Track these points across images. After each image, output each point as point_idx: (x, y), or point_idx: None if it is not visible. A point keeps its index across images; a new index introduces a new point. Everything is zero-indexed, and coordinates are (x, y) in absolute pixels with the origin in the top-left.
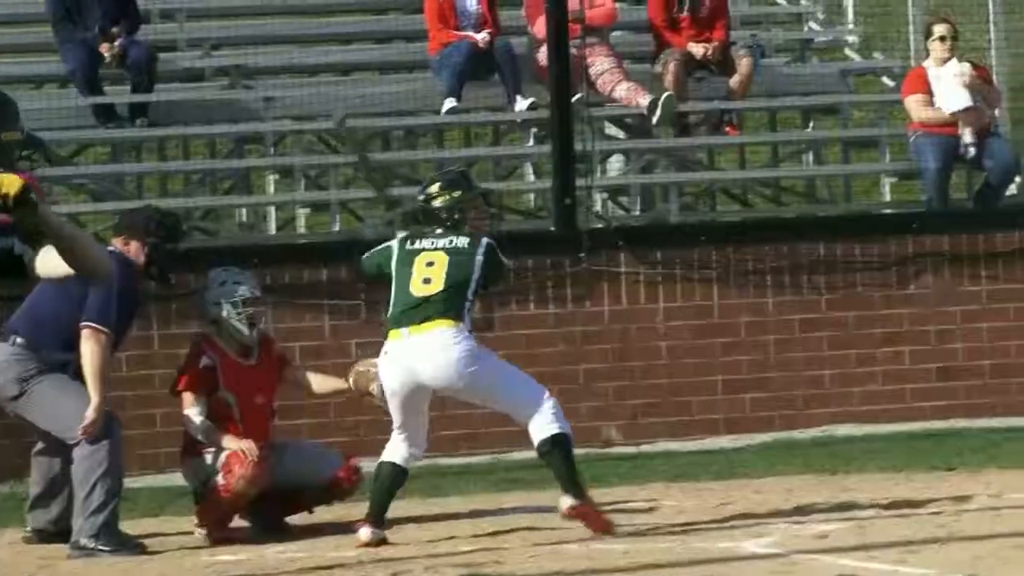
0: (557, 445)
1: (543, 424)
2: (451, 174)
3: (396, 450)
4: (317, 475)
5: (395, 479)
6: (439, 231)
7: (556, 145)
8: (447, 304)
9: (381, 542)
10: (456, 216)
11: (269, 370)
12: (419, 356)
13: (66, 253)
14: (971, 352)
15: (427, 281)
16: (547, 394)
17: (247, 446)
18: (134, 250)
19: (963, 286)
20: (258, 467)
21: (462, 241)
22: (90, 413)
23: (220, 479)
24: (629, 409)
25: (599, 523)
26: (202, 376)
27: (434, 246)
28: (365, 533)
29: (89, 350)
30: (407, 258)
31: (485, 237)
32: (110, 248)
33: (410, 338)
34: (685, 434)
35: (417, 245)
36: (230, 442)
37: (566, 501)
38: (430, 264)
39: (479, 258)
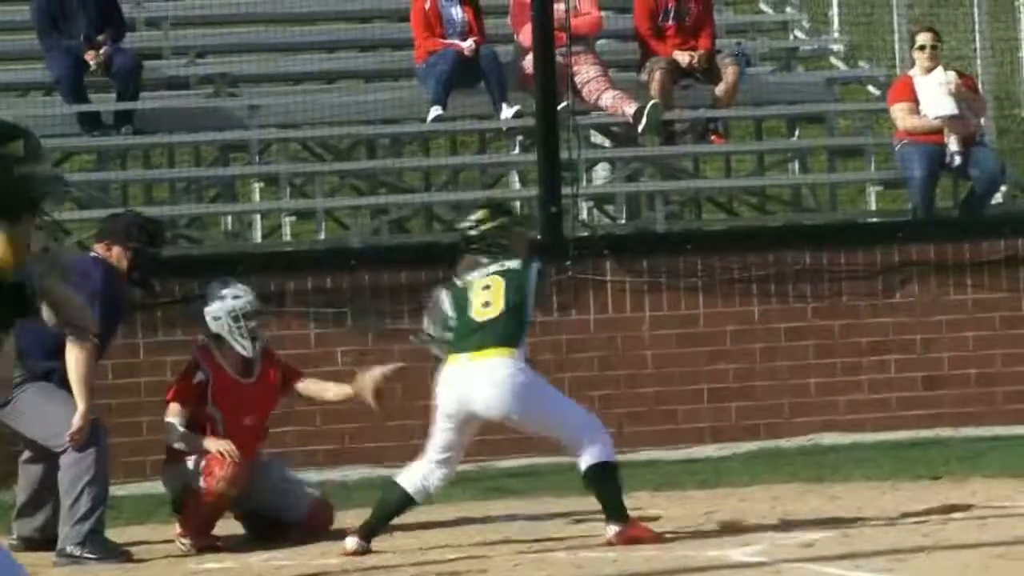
0: (605, 472)
1: (594, 452)
2: (492, 203)
3: (416, 478)
4: (287, 513)
5: (401, 507)
6: (484, 260)
7: (542, 153)
8: (505, 329)
9: (365, 552)
10: (502, 243)
11: (265, 389)
12: (475, 384)
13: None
14: (956, 361)
15: (487, 304)
16: (599, 423)
17: (226, 447)
18: (116, 255)
19: (949, 295)
20: (237, 467)
21: (513, 263)
22: (76, 420)
23: (201, 482)
24: (615, 417)
25: (649, 537)
26: (192, 390)
27: (486, 273)
28: (351, 542)
29: (74, 358)
30: (463, 290)
31: (533, 260)
32: (93, 254)
33: (468, 364)
34: (670, 443)
35: (468, 278)
36: (210, 444)
37: (612, 529)
38: (487, 288)
39: (532, 278)
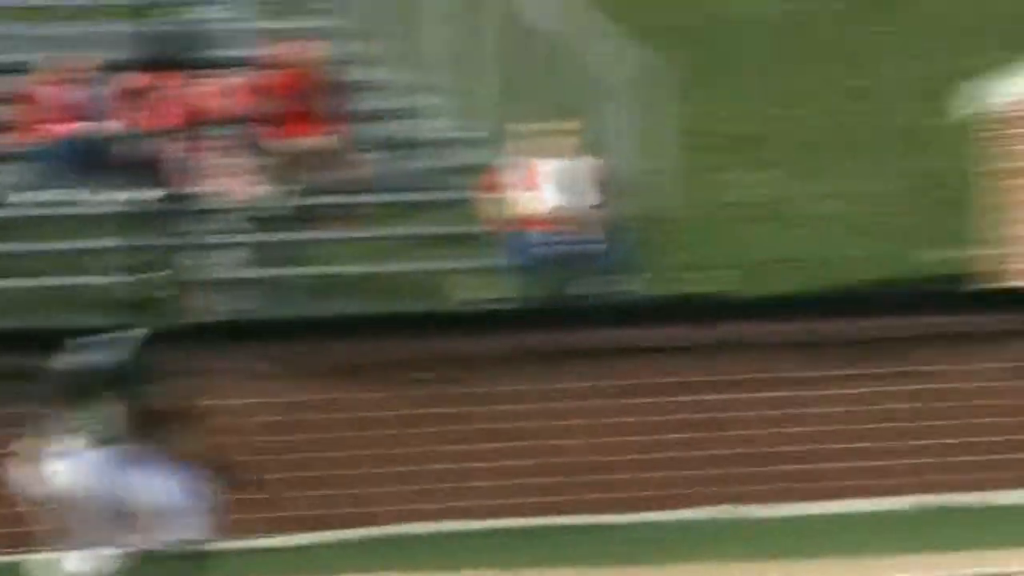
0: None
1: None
2: None
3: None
4: None
5: None
6: None
7: (157, 238)
8: None
9: None
10: None
11: None
12: None
13: None
14: (568, 450)
15: None
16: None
17: None
18: None
19: (562, 383)
20: None
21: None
22: None
23: None
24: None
25: None
26: None
27: None
28: None
29: None
30: None
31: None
32: None
33: None
34: (275, 530)
35: None
36: None
37: None
38: None
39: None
